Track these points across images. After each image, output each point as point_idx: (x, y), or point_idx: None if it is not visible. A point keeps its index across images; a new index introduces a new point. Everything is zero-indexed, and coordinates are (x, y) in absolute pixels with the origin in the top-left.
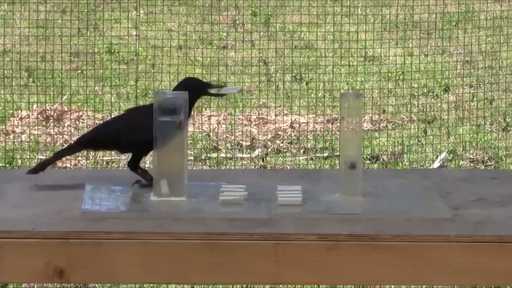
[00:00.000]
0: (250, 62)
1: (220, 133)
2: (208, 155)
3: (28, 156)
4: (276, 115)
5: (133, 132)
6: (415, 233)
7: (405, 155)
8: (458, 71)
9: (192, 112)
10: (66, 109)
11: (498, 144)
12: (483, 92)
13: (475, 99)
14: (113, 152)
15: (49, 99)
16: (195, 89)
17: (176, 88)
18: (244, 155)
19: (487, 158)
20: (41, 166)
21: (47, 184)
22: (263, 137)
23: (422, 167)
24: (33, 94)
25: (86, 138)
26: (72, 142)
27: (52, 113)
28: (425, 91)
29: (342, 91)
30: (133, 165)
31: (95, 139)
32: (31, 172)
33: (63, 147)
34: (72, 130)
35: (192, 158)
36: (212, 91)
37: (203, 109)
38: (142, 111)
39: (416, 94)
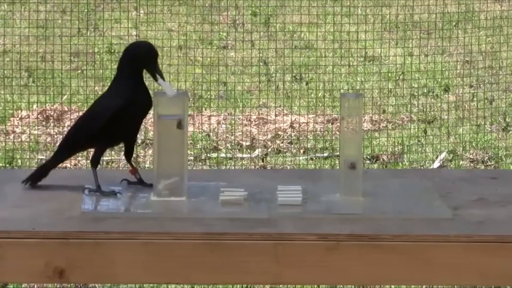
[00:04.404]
0: (250, 62)
1: (220, 133)
2: (208, 155)
3: (28, 156)
4: (276, 115)
5: (86, 124)
6: (415, 233)
7: (405, 155)
8: (458, 71)
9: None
10: (66, 109)
11: (498, 144)
12: (483, 92)
13: (475, 99)
14: (112, 152)
15: (49, 99)
16: (144, 57)
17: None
18: (244, 155)
19: (487, 158)
20: (38, 177)
21: (47, 184)
22: (263, 137)
23: (422, 167)
24: (33, 94)
25: (61, 143)
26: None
27: (52, 113)
28: (425, 91)
29: (342, 91)
30: (92, 160)
31: (67, 140)
32: (27, 182)
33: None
34: None
35: (192, 158)
36: (158, 76)
37: (203, 109)
38: (99, 98)
39: (416, 94)
